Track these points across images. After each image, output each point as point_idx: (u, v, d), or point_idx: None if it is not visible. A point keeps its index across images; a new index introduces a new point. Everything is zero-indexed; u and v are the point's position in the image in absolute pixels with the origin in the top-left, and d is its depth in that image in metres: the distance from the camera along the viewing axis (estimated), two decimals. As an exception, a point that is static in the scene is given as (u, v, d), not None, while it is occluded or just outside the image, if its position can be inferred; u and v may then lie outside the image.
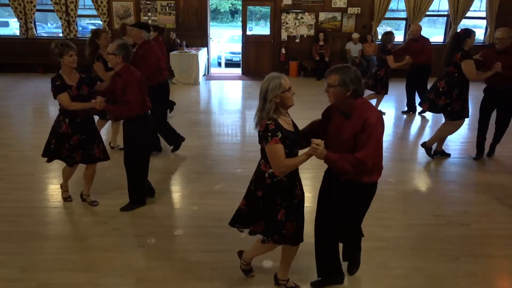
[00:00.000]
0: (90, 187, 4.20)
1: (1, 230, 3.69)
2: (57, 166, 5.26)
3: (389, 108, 8.50)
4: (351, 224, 2.85)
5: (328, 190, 2.85)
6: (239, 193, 4.45)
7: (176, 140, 5.61)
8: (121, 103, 3.68)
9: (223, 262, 3.28)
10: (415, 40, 7.42)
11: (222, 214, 4.00)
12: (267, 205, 2.63)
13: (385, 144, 6.21)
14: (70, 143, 3.81)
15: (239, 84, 10.84)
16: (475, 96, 6.50)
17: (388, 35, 7.25)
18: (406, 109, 7.94)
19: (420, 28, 7.55)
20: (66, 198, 4.25)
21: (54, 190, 4.62)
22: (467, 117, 5.32)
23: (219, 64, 14.14)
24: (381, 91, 7.34)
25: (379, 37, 12.02)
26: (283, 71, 11.62)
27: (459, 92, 5.12)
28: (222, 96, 9.72)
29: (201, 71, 10.88)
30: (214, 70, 12.68)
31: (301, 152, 2.58)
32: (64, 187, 4.26)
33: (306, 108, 8.16)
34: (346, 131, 2.52)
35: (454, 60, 5.01)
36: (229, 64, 13.82)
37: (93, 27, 12.02)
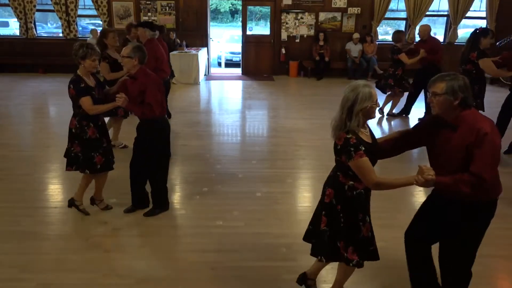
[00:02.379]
0: (101, 192, 4.03)
1: (1, 230, 3.69)
2: (57, 166, 5.26)
3: (389, 108, 8.50)
4: (461, 257, 2.56)
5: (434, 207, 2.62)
6: (239, 193, 4.49)
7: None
8: (140, 104, 3.59)
9: (223, 262, 3.28)
10: (423, 41, 7.21)
11: (222, 214, 4.01)
12: (349, 222, 2.47)
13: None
14: (103, 146, 3.70)
15: (239, 84, 10.84)
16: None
17: (399, 34, 7.19)
18: (396, 112, 7.74)
19: (428, 29, 7.32)
20: (106, 207, 4.05)
21: (54, 190, 4.62)
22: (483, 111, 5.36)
23: (219, 64, 14.14)
24: (399, 91, 7.28)
25: (379, 37, 12.06)
26: (283, 71, 11.66)
27: (479, 88, 5.16)
28: (222, 96, 9.72)
29: (201, 71, 10.87)
30: (214, 70, 12.69)
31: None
32: (80, 200, 3.96)
33: (306, 108, 8.18)
34: (455, 145, 2.32)
35: (471, 59, 5.04)
36: (229, 64, 13.82)
37: (93, 27, 12.06)
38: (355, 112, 2.31)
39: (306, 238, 2.76)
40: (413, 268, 2.78)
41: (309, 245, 3.50)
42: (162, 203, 4.00)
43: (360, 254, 2.51)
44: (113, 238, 3.61)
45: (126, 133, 5.63)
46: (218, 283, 3.06)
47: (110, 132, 5.61)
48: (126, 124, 5.73)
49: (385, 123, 7.41)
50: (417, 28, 11.21)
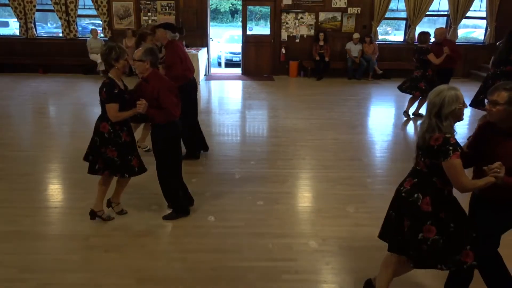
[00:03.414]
0: (120, 195, 3.93)
1: (1, 230, 3.69)
2: (57, 166, 5.27)
3: (389, 108, 8.51)
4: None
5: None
6: (239, 193, 4.49)
7: (195, 148, 5.40)
8: (160, 109, 3.55)
9: (223, 262, 3.28)
10: (439, 43, 7.17)
11: (222, 214, 4.01)
12: (458, 225, 2.42)
13: (385, 145, 6.28)
14: (136, 149, 3.64)
15: (239, 84, 10.84)
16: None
17: (425, 35, 7.08)
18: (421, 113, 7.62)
19: (444, 32, 7.39)
20: (121, 211, 3.98)
21: (54, 190, 4.62)
22: None
23: (219, 64, 14.14)
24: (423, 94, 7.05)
25: (379, 37, 12.07)
26: (283, 71, 11.67)
27: None
28: (222, 96, 9.72)
29: (201, 71, 10.87)
30: (214, 70, 12.68)
31: None
32: (101, 209, 3.86)
33: (306, 108, 8.18)
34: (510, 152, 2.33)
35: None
36: (229, 64, 13.82)
37: (93, 27, 12.06)
38: (443, 116, 2.28)
39: (396, 249, 2.62)
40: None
41: (308, 245, 3.52)
42: (179, 207, 3.94)
43: (475, 254, 2.45)
44: (113, 238, 3.61)
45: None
46: (218, 283, 3.06)
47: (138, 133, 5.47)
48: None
49: (411, 125, 7.33)
50: (416, 30, 11.26)
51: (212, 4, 21.06)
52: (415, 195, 2.43)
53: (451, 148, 2.26)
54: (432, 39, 7.26)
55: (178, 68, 4.85)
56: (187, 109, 4.94)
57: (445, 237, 2.41)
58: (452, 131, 2.31)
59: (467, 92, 9.69)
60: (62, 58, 11.47)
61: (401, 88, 7.39)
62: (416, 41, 7.21)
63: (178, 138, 3.81)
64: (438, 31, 7.28)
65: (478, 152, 2.53)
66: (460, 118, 2.36)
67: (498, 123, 2.39)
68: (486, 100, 2.40)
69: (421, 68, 7.04)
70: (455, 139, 2.29)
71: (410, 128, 7.20)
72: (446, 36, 7.38)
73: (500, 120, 2.36)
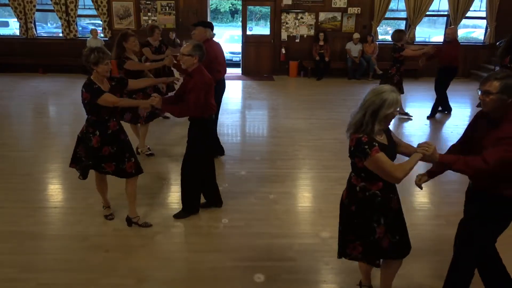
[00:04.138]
0: (135, 207, 3.77)
1: (1, 230, 3.69)
2: (57, 166, 5.27)
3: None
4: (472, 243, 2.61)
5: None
6: (239, 193, 4.48)
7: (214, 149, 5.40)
8: (175, 104, 3.57)
9: (223, 262, 3.28)
10: (449, 42, 7.54)
11: (222, 214, 4.01)
12: (362, 222, 2.45)
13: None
14: (100, 155, 3.50)
15: (239, 84, 10.84)
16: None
17: (400, 33, 7.22)
18: (440, 109, 7.86)
19: (455, 31, 7.72)
20: (108, 215, 3.90)
21: (54, 190, 4.62)
22: None
23: (219, 64, 14.10)
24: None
25: (379, 37, 12.06)
26: (283, 71, 11.67)
27: None
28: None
29: (201, 71, 10.85)
30: (214, 70, 12.66)
31: None
32: (105, 203, 3.90)
33: (306, 108, 8.18)
34: (493, 139, 2.35)
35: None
36: (229, 64, 13.78)
37: (93, 27, 12.06)
38: (380, 117, 2.26)
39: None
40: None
41: (308, 245, 3.52)
42: (192, 207, 3.95)
43: (365, 252, 2.50)
44: (113, 238, 3.61)
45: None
46: (218, 283, 3.06)
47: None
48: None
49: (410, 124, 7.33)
50: (416, 31, 11.26)
51: (212, 4, 21.06)
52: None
53: (366, 146, 2.25)
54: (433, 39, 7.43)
55: (213, 65, 4.82)
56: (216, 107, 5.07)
57: (344, 228, 2.55)
58: (371, 135, 2.27)
59: (468, 92, 9.73)
60: (62, 58, 11.46)
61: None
62: (391, 39, 7.39)
63: (206, 137, 3.80)
64: (449, 31, 7.71)
65: (470, 140, 2.58)
66: (388, 123, 2.37)
67: (491, 112, 2.41)
68: (479, 91, 2.42)
69: (395, 65, 7.18)
70: (368, 137, 2.27)
71: (410, 128, 7.20)
72: (456, 36, 7.75)
73: (493, 109, 2.38)
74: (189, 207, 3.94)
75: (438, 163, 2.42)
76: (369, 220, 2.43)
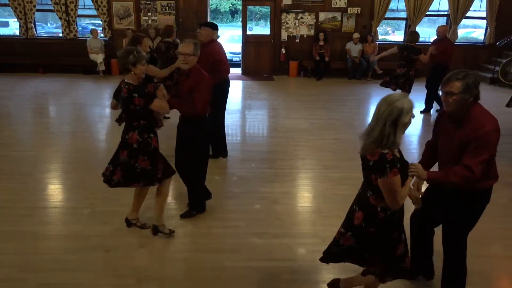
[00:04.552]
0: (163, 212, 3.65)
1: (1, 230, 3.69)
2: (57, 166, 5.27)
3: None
4: (454, 244, 2.67)
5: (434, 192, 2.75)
6: (239, 193, 4.49)
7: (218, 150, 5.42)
8: (185, 100, 3.56)
9: (223, 262, 3.28)
10: (440, 40, 7.61)
11: (222, 214, 4.01)
12: (384, 241, 2.35)
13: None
14: (160, 154, 3.47)
15: (239, 84, 10.84)
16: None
17: (417, 35, 7.29)
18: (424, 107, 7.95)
19: (446, 29, 7.81)
20: (144, 225, 3.75)
21: (54, 190, 4.62)
22: None
23: (219, 64, 14.11)
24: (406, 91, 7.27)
25: (379, 37, 12.07)
26: (283, 71, 11.67)
27: None
28: (222, 96, 9.71)
29: (201, 71, 10.86)
30: (214, 70, 12.66)
31: None
32: (163, 222, 3.67)
33: (306, 108, 8.18)
34: (459, 139, 2.41)
35: None
36: (229, 64, 13.79)
37: (93, 27, 12.06)
38: (399, 126, 2.15)
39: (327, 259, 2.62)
40: (414, 246, 2.90)
41: (308, 245, 3.52)
42: (201, 205, 3.99)
43: (389, 271, 2.46)
44: (113, 238, 3.61)
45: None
46: (218, 283, 3.06)
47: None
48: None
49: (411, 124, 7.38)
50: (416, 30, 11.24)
51: (212, 4, 21.06)
52: (354, 205, 2.45)
53: (388, 165, 2.14)
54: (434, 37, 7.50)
55: (206, 66, 4.85)
56: (222, 107, 5.18)
57: (362, 248, 2.40)
58: (394, 147, 2.18)
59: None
60: (62, 58, 11.46)
61: (381, 84, 7.59)
62: (406, 40, 7.44)
63: (207, 136, 3.82)
64: (440, 29, 7.74)
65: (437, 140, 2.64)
66: (404, 131, 2.25)
67: (453, 112, 2.45)
68: (440, 92, 2.48)
69: (406, 66, 7.19)
70: (392, 155, 2.17)
71: (410, 127, 7.20)
72: (447, 35, 7.75)
73: (456, 109, 2.41)
74: (199, 206, 3.97)
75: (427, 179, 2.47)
76: (391, 238, 2.35)
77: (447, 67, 7.55)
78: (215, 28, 5.12)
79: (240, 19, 12.72)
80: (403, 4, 11.39)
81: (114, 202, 4.15)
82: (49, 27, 17.86)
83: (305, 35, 11.53)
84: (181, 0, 11.26)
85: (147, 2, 11.28)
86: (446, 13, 11.85)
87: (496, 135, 2.36)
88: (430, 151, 2.78)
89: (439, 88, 7.91)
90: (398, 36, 15.84)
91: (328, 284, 2.90)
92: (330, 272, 3.18)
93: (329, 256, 2.59)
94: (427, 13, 11.55)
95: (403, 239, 2.42)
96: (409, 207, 2.75)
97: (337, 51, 11.56)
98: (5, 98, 8.70)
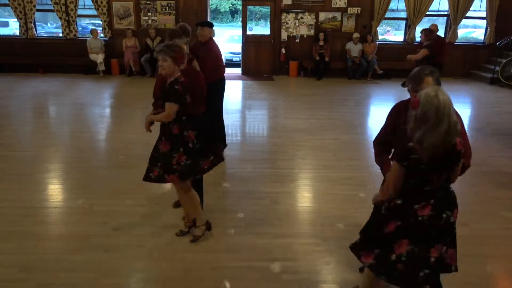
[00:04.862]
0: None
1: (1, 230, 3.68)
2: (57, 166, 5.27)
3: (389, 108, 8.50)
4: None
5: None
6: (239, 193, 4.48)
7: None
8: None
9: (223, 262, 3.28)
10: (433, 39, 7.63)
11: (222, 214, 4.01)
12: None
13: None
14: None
15: (239, 84, 10.84)
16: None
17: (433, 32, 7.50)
18: None
19: (436, 28, 8.00)
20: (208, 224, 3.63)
21: (54, 190, 4.62)
22: None
23: (219, 64, 14.10)
24: None
25: (379, 37, 12.07)
26: (283, 71, 11.68)
27: None
28: (222, 96, 9.71)
29: (201, 71, 10.86)
30: (214, 70, 12.67)
31: None
32: (200, 218, 3.57)
33: (306, 108, 8.18)
34: None
35: None
36: (229, 64, 13.82)
37: (93, 27, 12.07)
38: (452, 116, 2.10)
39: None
40: None
41: (308, 245, 3.51)
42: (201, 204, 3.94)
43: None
44: (113, 238, 3.60)
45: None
46: (218, 283, 3.06)
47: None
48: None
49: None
50: (416, 30, 11.23)
51: (212, 4, 21.06)
52: (444, 214, 2.24)
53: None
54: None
55: (210, 64, 4.93)
56: (219, 105, 5.24)
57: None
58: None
59: (468, 92, 9.72)
60: (62, 58, 11.47)
61: (404, 85, 7.60)
62: (429, 38, 7.50)
63: (202, 133, 3.80)
64: (433, 27, 7.97)
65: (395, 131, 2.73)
66: None
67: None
68: (408, 90, 2.57)
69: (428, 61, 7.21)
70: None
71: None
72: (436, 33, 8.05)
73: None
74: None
75: None
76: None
77: (440, 65, 7.62)
78: (211, 26, 5.31)
79: (240, 19, 12.72)
80: (403, 4, 11.40)
81: (114, 202, 4.15)
82: (49, 27, 17.88)
83: (305, 35, 11.54)
84: (181, 0, 11.26)
85: (147, 2, 11.29)
86: (446, 13, 11.85)
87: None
88: (383, 148, 2.86)
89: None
90: (396, 36, 15.86)
91: None
92: (331, 272, 3.18)
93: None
94: (427, 13, 11.55)
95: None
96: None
97: (337, 51, 11.57)
98: (5, 98, 8.70)
